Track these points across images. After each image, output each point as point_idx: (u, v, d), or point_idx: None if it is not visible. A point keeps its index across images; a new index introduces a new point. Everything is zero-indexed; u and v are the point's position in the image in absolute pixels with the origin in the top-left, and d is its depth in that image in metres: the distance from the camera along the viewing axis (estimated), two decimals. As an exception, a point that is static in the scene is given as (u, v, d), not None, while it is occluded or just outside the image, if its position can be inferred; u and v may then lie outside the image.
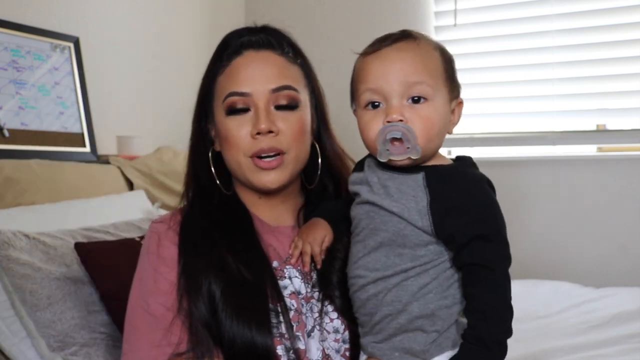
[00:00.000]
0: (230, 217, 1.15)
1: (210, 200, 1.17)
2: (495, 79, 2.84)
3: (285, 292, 1.09)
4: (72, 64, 2.32)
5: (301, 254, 1.11)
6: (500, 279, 0.93)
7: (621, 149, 2.68)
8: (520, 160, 2.80)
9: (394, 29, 1.04)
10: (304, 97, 1.15)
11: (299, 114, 1.13)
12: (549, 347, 1.75)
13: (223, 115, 1.12)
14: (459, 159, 1.05)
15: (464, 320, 0.96)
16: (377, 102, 0.99)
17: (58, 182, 2.00)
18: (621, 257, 2.56)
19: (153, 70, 2.74)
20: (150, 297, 1.08)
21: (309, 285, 1.11)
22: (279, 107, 1.11)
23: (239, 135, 1.10)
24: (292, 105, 1.12)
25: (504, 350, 0.92)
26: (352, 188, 1.06)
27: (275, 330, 1.04)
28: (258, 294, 1.06)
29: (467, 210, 0.94)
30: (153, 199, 2.29)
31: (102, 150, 2.40)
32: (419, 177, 0.98)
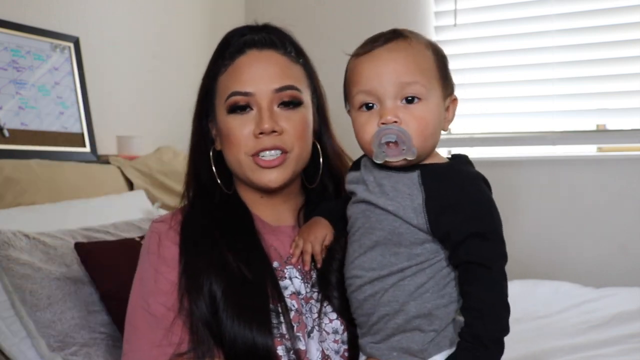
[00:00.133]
0: (231, 217, 1.15)
1: (211, 200, 1.17)
2: (495, 79, 2.84)
3: (286, 293, 1.09)
4: (72, 64, 2.32)
5: (302, 253, 1.11)
6: (496, 276, 0.93)
7: (621, 149, 2.68)
8: (521, 160, 2.80)
9: (394, 29, 1.04)
10: (306, 96, 1.15)
11: (302, 113, 1.13)
12: (549, 347, 1.75)
13: (225, 114, 1.12)
14: (455, 157, 1.05)
15: (462, 318, 0.96)
16: (370, 103, 0.99)
17: (58, 182, 2.00)
18: (621, 257, 2.56)
19: (153, 70, 2.74)
20: (151, 297, 1.07)
21: (309, 286, 1.11)
22: (281, 107, 1.11)
23: (241, 134, 1.10)
24: (295, 105, 1.12)
25: (501, 348, 0.92)
26: (349, 187, 1.07)
27: (275, 331, 1.04)
28: (259, 294, 1.06)
29: (462, 208, 0.94)
30: (153, 199, 2.29)
31: (102, 150, 2.40)
32: (414, 175, 0.98)
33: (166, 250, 1.10)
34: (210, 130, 1.19)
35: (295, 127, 1.11)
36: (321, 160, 1.20)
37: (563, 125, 2.71)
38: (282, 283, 1.10)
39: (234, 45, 1.14)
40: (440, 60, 1.01)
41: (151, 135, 2.62)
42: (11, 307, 1.49)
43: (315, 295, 1.10)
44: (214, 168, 1.17)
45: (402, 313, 0.96)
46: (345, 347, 1.08)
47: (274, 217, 1.18)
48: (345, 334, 1.08)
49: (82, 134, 2.30)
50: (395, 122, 0.96)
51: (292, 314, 1.07)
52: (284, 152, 1.10)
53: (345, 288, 1.05)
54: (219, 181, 1.16)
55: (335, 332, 1.08)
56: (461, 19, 2.86)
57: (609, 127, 2.70)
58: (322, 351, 1.07)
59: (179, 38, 2.90)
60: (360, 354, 1.04)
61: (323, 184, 1.21)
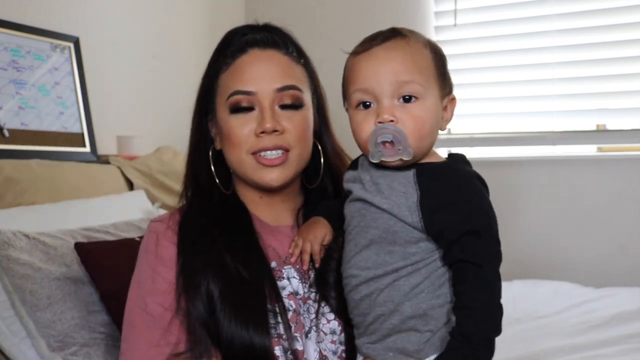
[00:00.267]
0: (229, 217, 1.14)
1: (210, 200, 1.16)
2: (495, 79, 2.83)
3: (284, 293, 1.09)
4: (72, 64, 2.32)
5: (301, 252, 1.11)
6: (490, 276, 0.93)
7: (621, 149, 2.68)
8: (521, 160, 2.80)
9: (394, 29, 1.04)
10: (307, 97, 1.16)
11: (303, 113, 1.13)
12: (549, 347, 1.75)
13: (226, 113, 1.12)
14: (452, 157, 1.04)
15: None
16: (368, 102, 0.99)
17: (58, 182, 2.00)
18: (621, 257, 2.56)
19: (153, 70, 2.74)
20: (149, 296, 1.07)
21: (307, 286, 1.11)
22: (283, 107, 1.11)
23: (242, 133, 1.10)
24: (296, 105, 1.12)
25: (491, 349, 0.92)
26: (346, 186, 1.07)
27: (273, 331, 1.04)
28: (256, 294, 1.05)
29: (458, 207, 0.94)
30: (153, 199, 2.29)
31: (102, 150, 2.40)
32: (410, 174, 0.98)
33: (164, 250, 1.10)
34: (210, 129, 1.19)
35: (297, 127, 1.11)
36: (322, 160, 1.20)
37: (563, 125, 2.71)
38: (280, 283, 1.09)
39: (236, 43, 1.14)
40: (438, 59, 1.01)
41: (151, 135, 2.62)
42: (11, 307, 1.49)
43: (313, 295, 1.10)
44: (212, 167, 1.17)
45: (398, 313, 0.96)
46: (343, 347, 1.08)
47: (272, 217, 1.18)
48: (343, 334, 1.08)
49: (82, 134, 2.30)
50: (392, 121, 0.96)
51: (290, 314, 1.07)
52: (286, 151, 1.10)
53: (342, 288, 1.05)
54: (217, 181, 1.16)
55: (333, 332, 1.08)
56: (461, 19, 2.86)
57: (609, 127, 2.71)
58: (320, 352, 1.07)
59: (179, 38, 2.90)
60: (357, 354, 1.04)
61: (323, 184, 1.21)
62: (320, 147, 1.20)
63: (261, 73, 1.11)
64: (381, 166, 1.00)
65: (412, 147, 0.96)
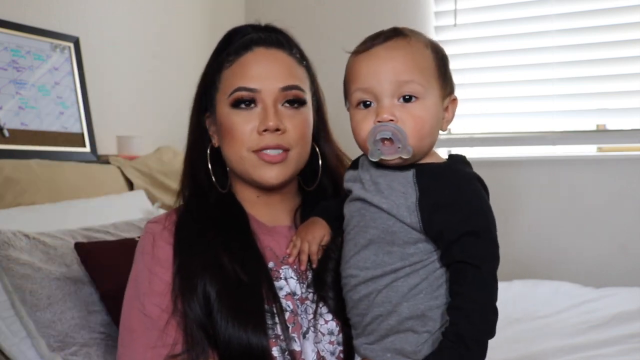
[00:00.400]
0: (226, 217, 1.14)
1: (207, 199, 1.16)
2: (495, 79, 2.84)
3: (281, 293, 1.08)
4: (72, 64, 2.32)
5: (299, 252, 1.11)
6: (487, 277, 0.93)
7: (621, 149, 2.68)
8: (521, 160, 2.80)
9: (394, 29, 1.04)
10: (308, 98, 1.16)
11: (304, 114, 1.14)
12: (549, 347, 1.75)
13: (228, 109, 1.11)
14: (452, 157, 1.04)
15: None
16: (368, 101, 0.99)
17: (58, 182, 2.00)
18: (621, 257, 2.56)
19: (153, 70, 2.74)
20: (145, 298, 1.07)
21: (304, 286, 1.11)
22: (285, 106, 1.12)
23: (244, 130, 1.10)
24: (298, 105, 1.13)
25: (483, 351, 0.92)
26: (346, 185, 1.07)
27: (270, 332, 1.03)
28: (254, 295, 1.05)
29: (457, 207, 0.94)
30: (153, 199, 2.29)
31: (102, 150, 2.40)
32: (409, 174, 0.98)
33: (160, 251, 1.10)
34: (208, 127, 1.18)
35: (298, 126, 1.12)
36: (320, 162, 1.20)
37: (563, 125, 2.71)
38: (277, 284, 1.09)
39: (240, 41, 1.14)
40: (440, 59, 1.01)
41: (151, 135, 2.62)
42: (11, 307, 1.49)
43: (310, 295, 1.10)
44: (210, 166, 1.16)
45: (396, 314, 0.96)
46: (341, 348, 1.07)
47: (269, 217, 1.18)
48: (341, 335, 1.08)
49: (82, 134, 2.30)
50: (392, 120, 0.96)
51: (287, 314, 1.07)
52: (286, 150, 1.10)
53: (340, 288, 1.05)
54: (214, 179, 1.16)
55: (331, 333, 1.08)
56: (461, 19, 2.86)
57: (609, 127, 2.70)
58: (318, 352, 1.06)
59: (179, 38, 2.90)
60: (356, 355, 1.04)
61: (320, 186, 1.21)
62: (318, 149, 1.20)
63: (266, 71, 1.11)
64: (381, 166, 1.00)
65: (412, 146, 0.95)
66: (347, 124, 1.04)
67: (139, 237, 1.66)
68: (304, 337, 1.07)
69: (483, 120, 2.86)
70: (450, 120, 1.04)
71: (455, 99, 1.04)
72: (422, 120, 0.97)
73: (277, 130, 1.09)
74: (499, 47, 2.82)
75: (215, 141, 1.18)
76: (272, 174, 1.10)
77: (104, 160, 2.32)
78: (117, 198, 2.15)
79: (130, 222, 1.88)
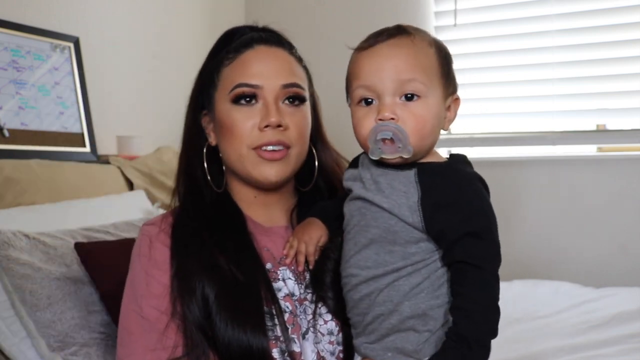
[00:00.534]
0: (222, 218, 1.14)
1: (203, 200, 1.15)
2: (495, 79, 2.84)
3: (280, 294, 1.08)
4: (72, 64, 2.32)
5: (296, 253, 1.11)
6: (489, 278, 0.93)
7: (621, 149, 2.68)
8: (521, 160, 2.80)
9: (394, 29, 1.03)
10: (307, 97, 1.16)
11: (304, 112, 1.14)
12: (549, 347, 1.75)
13: (229, 105, 1.11)
14: (453, 157, 1.04)
15: None
16: (369, 98, 0.99)
17: (58, 182, 2.00)
18: (621, 257, 2.56)
19: (153, 70, 2.74)
20: (143, 300, 1.06)
21: (302, 287, 1.11)
22: (286, 103, 1.12)
23: (244, 126, 1.10)
24: (299, 103, 1.13)
25: (486, 351, 0.92)
26: (346, 184, 1.06)
27: (270, 333, 1.03)
28: (252, 296, 1.05)
29: (459, 208, 0.94)
30: (153, 199, 2.29)
31: (102, 150, 2.40)
32: (411, 173, 0.97)
33: (157, 253, 1.09)
34: (204, 126, 1.18)
35: (298, 124, 1.12)
36: (316, 162, 1.20)
37: (563, 125, 2.71)
38: (275, 285, 1.09)
39: (240, 39, 1.14)
40: (443, 58, 1.01)
41: (151, 135, 2.62)
42: (11, 307, 1.49)
43: (309, 296, 1.10)
44: (205, 165, 1.16)
45: (397, 313, 0.96)
46: (341, 348, 1.07)
47: (266, 217, 1.18)
48: (341, 335, 1.07)
49: (82, 134, 2.30)
50: (393, 119, 0.96)
51: (287, 315, 1.06)
52: (286, 147, 1.10)
53: (339, 288, 1.04)
54: (209, 178, 1.15)
55: (330, 333, 1.08)
56: (461, 19, 2.86)
57: (609, 127, 2.70)
58: (317, 352, 1.06)
59: (179, 38, 2.90)
60: (355, 354, 1.04)
61: (316, 186, 1.21)
62: (314, 149, 1.20)
63: (268, 68, 1.11)
64: (382, 164, 0.99)
65: (413, 145, 0.95)
66: (347, 124, 1.04)
67: (138, 237, 1.67)
68: (304, 337, 1.07)
69: (483, 120, 2.86)
70: (452, 120, 1.04)
71: (458, 99, 1.04)
72: (423, 120, 0.97)
73: (279, 126, 1.09)
74: (499, 47, 2.82)
75: (212, 139, 1.17)
76: (272, 172, 1.10)
77: (104, 160, 2.32)
78: (117, 198, 2.15)
79: (130, 222, 1.88)
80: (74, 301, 1.52)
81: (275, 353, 1.03)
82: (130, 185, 2.30)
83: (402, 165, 0.98)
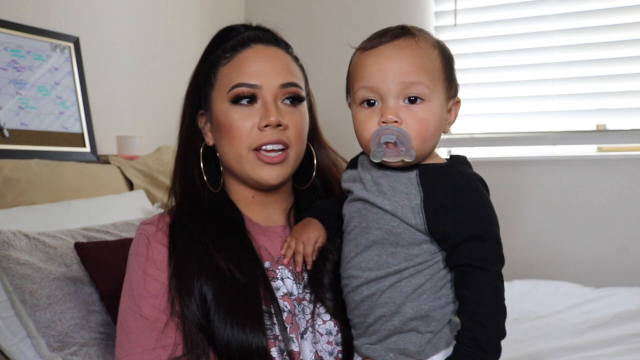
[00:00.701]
0: (220, 217, 1.13)
1: (200, 200, 1.15)
2: (495, 79, 2.84)
3: (278, 294, 1.08)
4: (72, 64, 2.32)
5: (294, 253, 1.10)
6: (494, 279, 0.93)
7: (621, 149, 2.68)
8: (521, 160, 2.80)
9: (394, 29, 1.03)
10: (305, 96, 1.16)
11: (302, 111, 1.14)
12: (549, 347, 1.75)
13: (227, 105, 1.11)
14: (453, 158, 1.04)
15: (457, 319, 0.96)
16: (372, 100, 0.98)
17: (58, 182, 2.00)
18: (621, 257, 2.56)
19: (153, 70, 2.74)
20: (142, 300, 1.06)
21: (301, 286, 1.10)
22: (285, 103, 1.11)
23: (243, 126, 1.09)
24: (297, 102, 1.13)
25: (498, 351, 0.92)
26: (345, 185, 1.06)
27: (269, 333, 1.03)
28: (251, 295, 1.04)
29: (461, 209, 0.93)
30: (153, 199, 2.29)
31: (102, 150, 2.40)
32: (413, 175, 0.97)
33: (155, 252, 1.09)
34: (201, 126, 1.18)
35: (297, 123, 1.12)
36: (315, 161, 1.20)
37: (563, 125, 2.71)
38: (274, 284, 1.08)
39: (236, 38, 1.14)
40: (446, 61, 1.00)
41: (151, 135, 2.62)
42: (11, 307, 1.49)
43: (307, 296, 1.09)
44: (202, 165, 1.15)
45: (399, 315, 0.95)
46: (339, 348, 1.07)
47: (264, 217, 1.17)
48: (339, 335, 1.07)
49: (82, 134, 2.30)
50: (396, 122, 0.95)
51: (285, 315, 1.06)
52: (286, 147, 1.10)
53: (338, 289, 1.04)
54: (205, 178, 1.15)
55: (329, 333, 1.07)
56: (461, 19, 2.86)
57: (609, 127, 2.70)
58: (316, 352, 1.06)
59: (179, 38, 2.90)
60: (355, 355, 1.03)
61: (312, 185, 1.21)
62: (312, 149, 1.20)
63: (266, 68, 1.11)
64: (382, 166, 0.99)
65: (415, 149, 0.95)
66: (346, 124, 1.04)
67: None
68: (302, 337, 1.06)
69: (483, 120, 2.86)
70: (452, 123, 1.04)
71: (458, 101, 1.04)
72: (426, 123, 0.96)
73: (279, 125, 1.09)
74: (499, 47, 2.82)
75: (209, 139, 1.17)
76: (271, 174, 1.10)
77: (104, 160, 2.32)
78: (117, 198, 2.15)
79: (130, 222, 1.88)
80: (74, 301, 1.52)
81: (274, 352, 1.02)
82: (130, 185, 2.30)
83: (403, 167, 0.98)
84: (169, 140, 2.59)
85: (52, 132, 2.20)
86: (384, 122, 0.96)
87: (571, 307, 2.11)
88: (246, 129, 1.09)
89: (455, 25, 2.86)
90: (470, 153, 2.82)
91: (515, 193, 2.72)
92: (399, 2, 2.97)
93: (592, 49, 2.65)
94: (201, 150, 1.17)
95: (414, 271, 0.96)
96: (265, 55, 1.12)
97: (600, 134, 2.70)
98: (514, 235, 2.66)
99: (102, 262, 1.57)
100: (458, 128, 2.87)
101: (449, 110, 1.02)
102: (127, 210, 2.06)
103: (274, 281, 1.09)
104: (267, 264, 1.11)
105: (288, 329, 1.05)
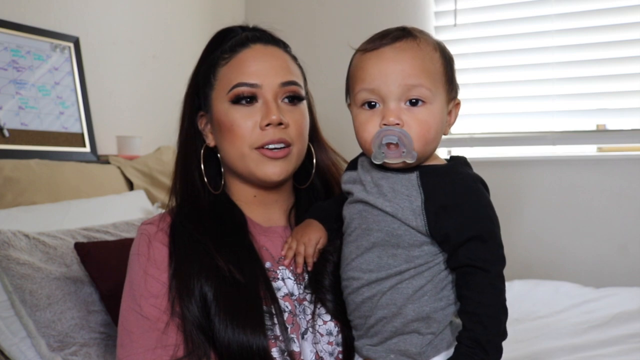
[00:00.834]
0: (221, 217, 1.13)
1: (201, 201, 1.15)
2: (495, 79, 2.84)
3: (279, 294, 1.08)
4: (72, 64, 2.32)
5: (294, 255, 1.10)
6: (496, 280, 0.93)
7: (621, 149, 2.68)
8: (521, 160, 2.80)
9: (394, 29, 1.03)
10: (304, 96, 1.16)
11: (302, 110, 1.14)
12: (549, 347, 1.75)
13: (227, 105, 1.11)
14: (453, 159, 1.04)
15: (458, 320, 0.96)
16: (373, 102, 0.98)
17: (58, 182, 2.00)
18: (621, 257, 2.56)
19: (153, 70, 2.74)
20: (143, 300, 1.06)
21: (301, 287, 1.10)
22: (285, 102, 1.12)
23: (245, 126, 1.09)
24: (297, 101, 1.13)
25: (500, 352, 0.92)
26: (345, 187, 1.06)
27: (269, 333, 1.02)
28: (252, 296, 1.04)
29: (462, 211, 0.93)
30: (153, 199, 2.29)
31: (102, 150, 2.40)
32: (413, 177, 0.97)
33: (156, 252, 1.09)
34: (201, 127, 1.17)
35: (297, 122, 1.12)
36: (314, 160, 1.20)
37: (563, 125, 2.71)
38: (275, 284, 1.08)
39: (235, 38, 1.14)
40: (447, 62, 1.00)
41: (151, 135, 2.62)
42: (11, 307, 1.49)
43: (308, 296, 1.09)
44: (202, 166, 1.15)
45: (400, 316, 0.95)
46: (340, 349, 1.07)
47: (264, 217, 1.17)
48: (340, 335, 1.07)
49: (82, 134, 2.30)
50: (398, 124, 0.95)
51: (286, 315, 1.06)
52: (288, 145, 1.10)
53: (339, 290, 1.04)
54: (206, 179, 1.15)
55: (330, 333, 1.07)
56: (461, 19, 2.86)
57: (609, 127, 2.70)
58: (316, 353, 1.06)
59: (179, 38, 2.90)
60: (356, 355, 1.03)
61: (312, 184, 1.21)
62: (312, 148, 1.20)
63: (266, 67, 1.11)
64: (383, 167, 0.99)
65: (417, 151, 0.95)
66: (346, 124, 1.04)
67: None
68: (303, 337, 1.06)
69: (483, 120, 2.86)
70: (452, 124, 1.04)
71: (458, 103, 1.04)
72: (428, 125, 0.96)
73: (280, 124, 1.09)
74: (499, 47, 2.82)
75: (210, 141, 1.17)
76: (275, 170, 1.10)
77: (104, 160, 2.32)
78: (117, 198, 2.15)
79: (130, 222, 1.88)
80: (74, 301, 1.52)
81: (274, 352, 1.02)
82: (130, 185, 2.30)
83: (403, 168, 0.98)
84: (169, 140, 2.59)
85: (52, 132, 2.20)
86: (385, 125, 0.96)
87: (571, 307, 2.11)
88: (248, 128, 1.09)
89: (455, 25, 2.86)
90: (470, 153, 2.83)
91: (515, 193, 2.72)
92: (399, 2, 2.97)
93: (592, 49, 2.65)
94: (202, 152, 1.17)
95: (414, 273, 0.95)
96: (264, 54, 1.12)
97: (600, 134, 2.70)
98: (514, 236, 2.66)
99: (102, 262, 1.57)
100: (458, 128, 2.87)
101: (449, 112, 1.02)
102: (127, 210, 2.06)
103: (275, 281, 1.09)
104: (268, 264, 1.11)
105: (289, 329, 1.05)
